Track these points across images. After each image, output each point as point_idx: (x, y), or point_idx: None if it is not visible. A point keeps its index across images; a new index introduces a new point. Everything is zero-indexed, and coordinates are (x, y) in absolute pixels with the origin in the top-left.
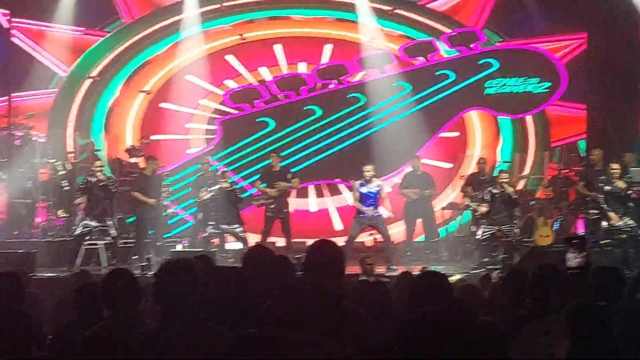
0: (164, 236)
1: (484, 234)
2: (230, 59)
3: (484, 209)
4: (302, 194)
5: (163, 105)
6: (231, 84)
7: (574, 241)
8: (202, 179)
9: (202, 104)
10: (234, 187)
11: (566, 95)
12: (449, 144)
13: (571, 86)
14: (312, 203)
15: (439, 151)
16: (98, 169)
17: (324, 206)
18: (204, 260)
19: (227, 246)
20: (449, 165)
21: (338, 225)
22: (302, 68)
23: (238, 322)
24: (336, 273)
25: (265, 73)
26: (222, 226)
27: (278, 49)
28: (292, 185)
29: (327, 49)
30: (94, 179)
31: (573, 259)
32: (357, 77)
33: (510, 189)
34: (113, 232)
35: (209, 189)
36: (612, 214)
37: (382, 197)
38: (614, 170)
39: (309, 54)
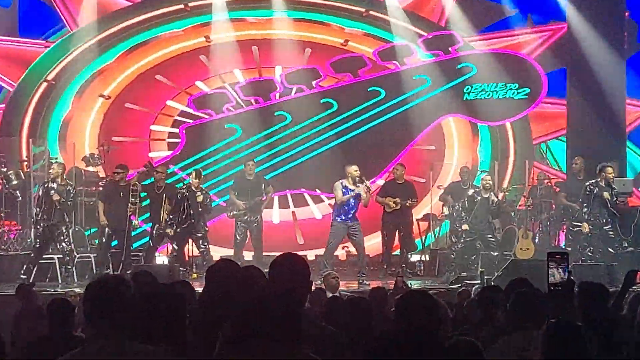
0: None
1: (464, 242)
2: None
3: (465, 227)
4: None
5: (128, 105)
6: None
7: (556, 256)
8: (153, 188)
9: (169, 105)
10: (206, 194)
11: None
12: (424, 152)
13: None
14: (275, 214)
15: (415, 161)
16: (56, 171)
17: (288, 218)
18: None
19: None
20: (422, 180)
21: (300, 239)
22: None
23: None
24: (302, 288)
25: (236, 76)
26: (188, 236)
27: (256, 50)
28: (267, 194)
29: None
30: (50, 185)
31: (555, 275)
32: (329, 81)
33: (493, 197)
34: (65, 244)
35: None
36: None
37: (364, 198)
38: (610, 175)
39: (288, 56)
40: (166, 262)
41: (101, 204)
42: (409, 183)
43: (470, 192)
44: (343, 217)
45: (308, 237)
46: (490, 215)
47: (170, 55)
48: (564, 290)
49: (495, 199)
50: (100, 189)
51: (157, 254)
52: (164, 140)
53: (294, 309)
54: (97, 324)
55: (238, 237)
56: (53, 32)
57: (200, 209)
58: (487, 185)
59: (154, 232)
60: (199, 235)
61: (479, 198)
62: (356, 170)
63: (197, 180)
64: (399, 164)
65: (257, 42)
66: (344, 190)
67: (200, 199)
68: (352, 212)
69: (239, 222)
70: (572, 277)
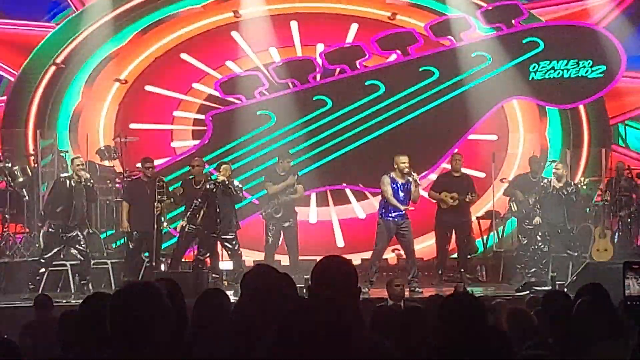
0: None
1: (538, 242)
2: (236, 36)
3: (537, 220)
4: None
5: (148, 88)
6: (233, 66)
7: (634, 265)
8: (190, 184)
9: (195, 88)
10: (232, 183)
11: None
12: (483, 149)
13: None
14: (313, 213)
15: (473, 152)
16: (80, 167)
17: (327, 217)
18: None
19: (222, 265)
20: (481, 175)
21: (340, 241)
22: (311, 51)
23: None
24: (348, 295)
25: (275, 55)
26: (222, 236)
27: (294, 26)
28: (295, 195)
29: (352, 29)
30: (72, 180)
31: (633, 287)
32: (375, 61)
33: (567, 187)
34: (85, 248)
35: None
36: None
37: (414, 195)
38: None
39: (329, 33)
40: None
41: (126, 206)
42: (466, 175)
43: (543, 182)
44: (392, 215)
45: (350, 239)
46: (566, 207)
47: (196, 33)
48: None
49: (571, 188)
50: (118, 186)
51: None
52: (189, 128)
53: (339, 319)
54: (119, 343)
55: (270, 240)
56: (56, 13)
57: (230, 207)
58: (559, 173)
59: (185, 231)
60: (229, 237)
61: (550, 189)
62: (404, 162)
63: (228, 174)
64: (457, 153)
65: (293, 16)
66: (393, 185)
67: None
68: (403, 205)
69: (270, 224)
70: None
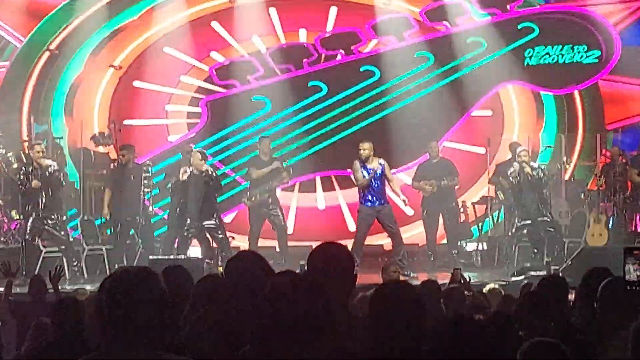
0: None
1: (518, 228)
2: (216, 26)
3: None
4: (309, 187)
5: (137, 84)
6: (218, 56)
7: (635, 252)
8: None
9: (183, 81)
10: (212, 172)
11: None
12: (481, 125)
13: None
14: (320, 199)
15: (469, 133)
16: (39, 154)
17: (334, 202)
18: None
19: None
20: (481, 150)
21: (351, 225)
22: (303, 36)
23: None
24: (345, 282)
25: (259, 43)
26: (203, 223)
27: (274, 13)
28: (282, 179)
29: (332, 13)
30: (30, 168)
31: (632, 272)
32: (370, 46)
33: (527, 168)
34: (62, 234)
35: (187, 169)
36: None
37: (388, 177)
38: None
39: (311, 19)
40: None
41: (107, 192)
42: (445, 160)
43: (511, 169)
44: (370, 202)
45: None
46: (537, 191)
47: (177, 25)
48: None
49: (536, 171)
50: (105, 173)
51: None
52: (183, 121)
53: (323, 304)
54: (113, 328)
55: (253, 227)
56: None
57: (209, 196)
58: (523, 158)
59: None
60: (212, 225)
61: (522, 176)
62: (361, 149)
63: (202, 162)
64: (431, 141)
65: (271, 3)
66: (363, 170)
67: (209, 182)
68: (379, 194)
69: (255, 210)
70: None
